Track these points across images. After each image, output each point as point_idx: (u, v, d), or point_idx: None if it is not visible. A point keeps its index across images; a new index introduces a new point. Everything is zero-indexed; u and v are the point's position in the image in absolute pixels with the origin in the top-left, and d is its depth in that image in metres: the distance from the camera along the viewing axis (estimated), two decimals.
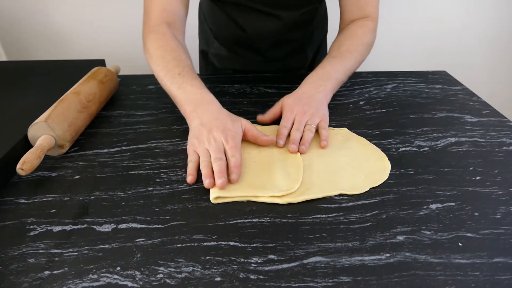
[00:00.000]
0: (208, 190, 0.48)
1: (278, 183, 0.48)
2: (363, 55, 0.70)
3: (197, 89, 0.58)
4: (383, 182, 0.50)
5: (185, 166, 0.53)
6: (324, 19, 0.93)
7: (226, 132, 0.52)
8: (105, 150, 0.57)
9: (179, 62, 0.60)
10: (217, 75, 0.90)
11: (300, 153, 0.54)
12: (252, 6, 0.76)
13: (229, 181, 0.49)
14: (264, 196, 0.47)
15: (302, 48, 0.89)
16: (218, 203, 0.47)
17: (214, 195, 0.47)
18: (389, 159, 0.55)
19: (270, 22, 0.78)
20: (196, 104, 0.56)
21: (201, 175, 0.50)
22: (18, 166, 0.47)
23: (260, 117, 0.64)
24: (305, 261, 0.39)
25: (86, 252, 0.40)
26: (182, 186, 0.50)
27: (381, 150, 0.57)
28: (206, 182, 0.48)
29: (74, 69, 0.76)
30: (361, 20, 0.72)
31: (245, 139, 0.57)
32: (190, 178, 0.50)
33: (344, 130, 0.62)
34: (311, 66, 0.94)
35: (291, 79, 0.80)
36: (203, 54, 0.97)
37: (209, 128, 0.53)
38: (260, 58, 0.87)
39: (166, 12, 0.66)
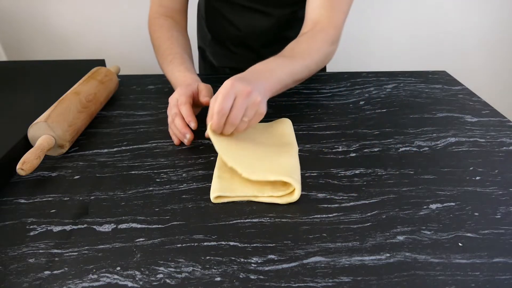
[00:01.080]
0: (208, 190, 0.48)
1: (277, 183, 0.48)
2: (316, 64, 0.64)
3: (182, 73, 0.64)
4: (383, 182, 0.50)
5: (185, 166, 0.53)
6: None
7: (179, 91, 0.58)
8: (105, 150, 0.57)
9: (171, 50, 0.68)
10: (216, 75, 0.90)
11: (236, 131, 0.52)
12: (243, 3, 0.77)
13: (192, 128, 0.55)
14: (264, 196, 0.47)
15: None
16: (218, 203, 0.47)
17: (215, 195, 0.47)
18: (389, 159, 0.55)
19: (262, 19, 0.79)
20: (180, 86, 0.61)
21: (202, 170, 0.50)
22: (18, 166, 0.47)
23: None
24: (305, 261, 0.39)
25: (86, 252, 0.40)
26: (182, 186, 0.50)
27: (381, 150, 0.57)
28: (175, 142, 0.58)
29: (74, 69, 0.76)
30: (322, 25, 0.65)
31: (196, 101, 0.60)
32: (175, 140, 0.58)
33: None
34: None
35: None
36: (201, 51, 0.97)
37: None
38: (255, 57, 0.87)
39: (163, 8, 0.73)
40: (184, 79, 0.62)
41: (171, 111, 0.58)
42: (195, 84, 0.60)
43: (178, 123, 0.56)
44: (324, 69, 0.92)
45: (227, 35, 0.85)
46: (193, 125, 0.55)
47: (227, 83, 0.50)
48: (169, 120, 0.59)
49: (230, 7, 0.80)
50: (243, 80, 0.51)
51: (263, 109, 0.52)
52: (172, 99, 0.58)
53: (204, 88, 0.60)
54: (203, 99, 0.58)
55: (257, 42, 0.84)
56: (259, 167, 0.49)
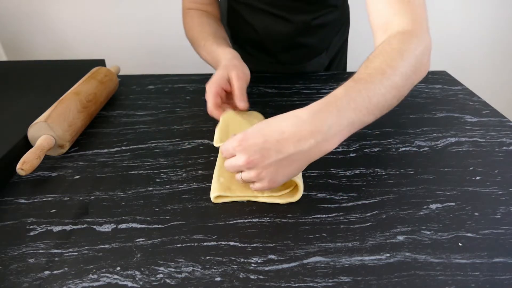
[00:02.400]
0: (208, 190, 0.48)
1: None
2: (403, 76, 0.44)
3: (211, 54, 0.67)
4: (383, 182, 0.50)
5: (185, 166, 0.53)
6: (343, 24, 0.89)
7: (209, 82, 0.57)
8: (105, 150, 0.57)
9: (201, 36, 0.70)
10: None
11: None
12: (263, 7, 0.76)
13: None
14: (264, 196, 0.47)
15: (318, 53, 0.87)
16: (218, 203, 0.47)
17: (215, 195, 0.47)
18: (389, 159, 0.55)
19: (280, 25, 0.78)
20: (215, 65, 0.65)
21: (201, 170, 0.50)
22: (18, 166, 0.47)
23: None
24: (305, 261, 0.39)
25: (86, 252, 0.40)
26: (182, 186, 0.50)
27: (381, 150, 0.57)
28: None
29: (74, 69, 0.76)
30: (397, 25, 0.49)
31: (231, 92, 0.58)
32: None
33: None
34: (327, 70, 0.91)
35: (291, 79, 0.80)
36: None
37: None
38: (273, 61, 0.86)
39: (193, 3, 0.76)
40: (214, 61, 0.65)
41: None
42: (225, 73, 0.57)
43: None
44: (326, 68, 0.92)
45: (246, 37, 0.84)
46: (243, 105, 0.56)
47: (233, 144, 0.42)
48: None
49: (250, 10, 0.79)
50: (256, 149, 0.40)
51: (265, 184, 0.43)
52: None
53: (237, 89, 0.56)
54: (239, 103, 0.56)
55: (275, 47, 0.83)
56: None
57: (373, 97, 0.42)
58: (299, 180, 0.46)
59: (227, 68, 0.58)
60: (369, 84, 0.42)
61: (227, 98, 0.59)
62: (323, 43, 0.86)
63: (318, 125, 0.40)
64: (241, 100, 0.56)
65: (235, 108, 0.58)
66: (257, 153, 0.40)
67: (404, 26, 0.48)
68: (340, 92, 0.42)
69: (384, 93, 0.43)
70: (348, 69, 0.98)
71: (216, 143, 0.51)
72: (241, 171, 0.43)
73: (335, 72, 0.86)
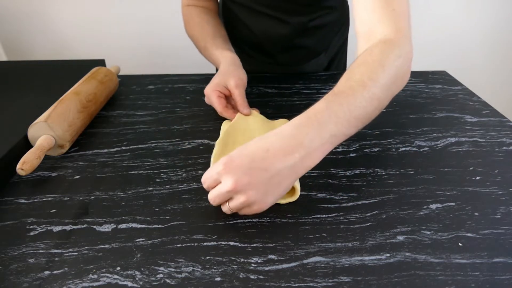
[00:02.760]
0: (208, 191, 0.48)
1: None
2: (383, 88, 0.44)
3: (213, 56, 0.70)
4: (383, 182, 0.50)
5: (185, 166, 0.53)
6: (342, 24, 0.89)
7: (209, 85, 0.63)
8: (105, 150, 0.57)
9: (202, 36, 0.73)
10: None
11: None
12: (260, 9, 0.76)
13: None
14: None
15: (316, 54, 0.87)
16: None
17: None
18: (389, 159, 0.55)
19: (278, 26, 0.78)
20: (217, 66, 0.69)
21: (201, 170, 0.50)
22: (18, 166, 0.47)
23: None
24: (305, 261, 0.39)
25: (86, 252, 0.40)
26: (182, 186, 0.50)
27: (381, 150, 0.57)
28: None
29: (74, 69, 0.76)
30: (378, 34, 0.48)
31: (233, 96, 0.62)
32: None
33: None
34: (327, 70, 0.92)
35: (291, 79, 0.80)
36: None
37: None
38: (271, 61, 0.86)
39: (192, 0, 0.78)
40: (216, 61, 0.69)
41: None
42: (222, 81, 0.63)
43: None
44: (326, 69, 0.92)
45: (244, 38, 0.84)
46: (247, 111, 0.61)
47: (215, 170, 0.40)
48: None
49: (247, 12, 0.79)
50: (240, 172, 0.39)
51: (255, 208, 0.41)
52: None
53: (238, 96, 0.62)
54: (243, 111, 0.61)
55: (273, 48, 0.83)
56: None
57: (354, 110, 0.42)
58: (296, 183, 0.47)
59: (224, 76, 0.63)
60: (350, 98, 0.42)
61: (227, 101, 0.64)
62: (322, 44, 0.86)
63: (300, 139, 0.40)
64: (244, 107, 0.61)
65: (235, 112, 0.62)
66: (245, 175, 0.39)
67: (387, 34, 0.48)
68: (321, 106, 0.42)
69: (365, 105, 0.43)
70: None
71: (213, 159, 0.51)
72: (228, 200, 0.41)
73: (335, 72, 0.86)
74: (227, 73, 0.63)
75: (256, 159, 0.39)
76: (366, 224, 0.44)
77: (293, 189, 0.47)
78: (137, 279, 0.37)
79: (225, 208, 0.43)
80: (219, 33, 0.74)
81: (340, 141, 0.43)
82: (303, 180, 0.50)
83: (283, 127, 0.42)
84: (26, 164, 0.48)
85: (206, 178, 0.43)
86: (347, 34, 0.93)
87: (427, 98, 0.73)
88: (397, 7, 0.48)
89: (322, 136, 0.41)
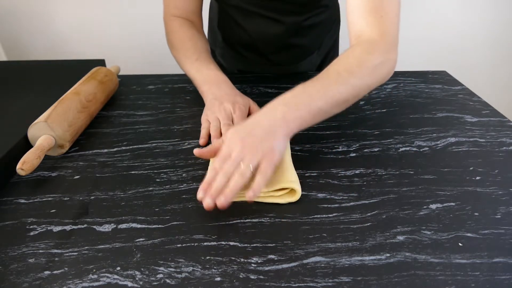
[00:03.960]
0: None
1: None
2: (362, 78, 0.52)
3: (212, 71, 0.67)
4: (383, 182, 0.50)
5: (185, 166, 0.53)
6: (333, 23, 0.90)
7: (234, 104, 0.60)
8: (105, 150, 0.57)
9: (195, 49, 0.70)
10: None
11: (219, 207, 0.42)
12: (254, 10, 0.76)
13: None
14: (264, 196, 0.47)
15: (309, 53, 0.88)
16: None
17: None
18: (389, 159, 0.55)
19: (273, 26, 0.78)
20: (211, 84, 0.65)
21: (200, 170, 0.50)
22: (18, 166, 0.47)
23: (196, 151, 0.49)
24: (305, 261, 0.39)
25: (86, 252, 0.40)
26: (182, 186, 0.50)
27: (381, 150, 0.57)
28: (214, 141, 0.53)
29: (74, 69, 0.76)
30: (365, 36, 0.55)
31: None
32: (202, 140, 0.58)
33: None
34: (319, 69, 0.92)
35: (291, 79, 0.80)
36: (211, 52, 0.96)
37: (221, 100, 0.61)
38: (265, 61, 0.87)
39: (178, 9, 0.74)
40: (216, 77, 0.66)
41: (226, 118, 0.58)
42: (246, 99, 0.63)
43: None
44: (318, 68, 0.92)
45: (238, 39, 0.85)
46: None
47: (228, 145, 0.46)
48: (214, 120, 0.59)
49: (241, 13, 0.79)
50: (243, 133, 0.46)
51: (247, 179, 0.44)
52: (228, 105, 0.60)
53: (257, 108, 0.62)
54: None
55: (268, 48, 0.83)
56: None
57: (328, 90, 0.50)
58: (296, 185, 0.47)
59: (234, 104, 0.60)
60: (325, 80, 0.51)
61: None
62: (315, 43, 0.87)
63: (284, 109, 0.48)
64: None
65: None
66: (239, 141, 0.46)
67: (372, 37, 0.54)
68: (298, 87, 0.51)
69: (336, 88, 0.50)
70: None
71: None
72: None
73: None
74: (240, 94, 0.64)
75: (249, 127, 0.48)
76: (366, 224, 0.44)
77: (293, 190, 0.47)
78: (137, 279, 0.37)
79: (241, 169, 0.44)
80: (209, 52, 0.73)
81: (317, 114, 0.50)
82: (303, 180, 0.50)
83: (259, 113, 0.50)
84: (26, 164, 0.48)
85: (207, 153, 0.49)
86: (338, 33, 0.94)
87: (427, 98, 0.73)
88: (384, 15, 0.55)
89: (299, 101, 0.49)
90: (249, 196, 0.42)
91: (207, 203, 0.42)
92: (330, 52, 0.93)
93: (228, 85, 0.65)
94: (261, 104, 0.70)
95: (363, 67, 0.52)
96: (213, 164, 0.46)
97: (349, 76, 0.51)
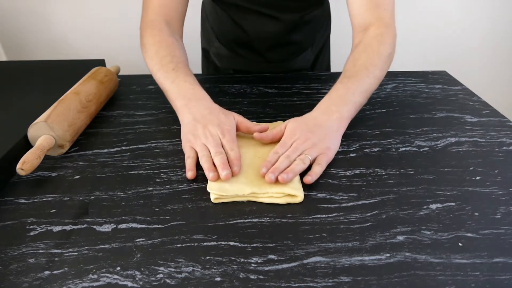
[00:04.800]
0: (207, 190, 0.48)
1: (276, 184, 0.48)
2: (382, 69, 0.60)
3: (190, 84, 0.58)
4: (383, 182, 0.50)
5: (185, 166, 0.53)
6: (326, 20, 0.92)
7: (221, 126, 0.53)
8: (105, 150, 0.57)
9: (173, 58, 0.61)
10: (218, 75, 0.90)
11: (280, 181, 0.47)
12: (252, 8, 0.77)
13: (232, 173, 0.49)
14: (264, 196, 0.47)
15: (304, 49, 0.89)
16: (218, 203, 0.47)
17: (214, 196, 0.47)
18: (389, 159, 0.55)
19: (270, 24, 0.78)
20: (188, 99, 0.57)
21: (201, 170, 0.50)
22: (18, 166, 0.47)
23: (257, 135, 0.55)
24: (305, 261, 0.39)
25: (86, 252, 0.40)
26: (182, 186, 0.50)
27: (381, 150, 0.57)
28: (210, 176, 0.48)
29: (74, 69, 0.76)
30: (374, 29, 0.63)
31: (238, 131, 0.57)
32: (190, 173, 0.50)
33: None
34: (313, 67, 0.94)
35: (291, 79, 0.80)
36: (204, 52, 0.97)
37: (204, 123, 0.54)
38: (261, 59, 0.87)
39: (165, 8, 0.66)
40: (193, 92, 0.58)
41: (217, 146, 0.51)
42: (230, 117, 0.56)
43: (224, 158, 0.50)
44: (312, 64, 0.93)
45: (233, 37, 0.85)
46: (236, 169, 0.49)
47: (288, 132, 0.53)
48: (202, 149, 0.52)
49: (237, 10, 0.79)
50: (305, 128, 0.53)
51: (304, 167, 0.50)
52: (215, 130, 0.53)
53: (246, 121, 0.57)
54: (255, 129, 0.56)
55: (264, 45, 0.84)
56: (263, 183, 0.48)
57: (363, 85, 0.58)
58: (299, 192, 0.47)
59: (220, 127, 0.54)
60: (359, 77, 0.59)
61: None
62: (309, 40, 0.88)
63: (338, 109, 0.56)
64: (257, 129, 0.57)
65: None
66: (308, 132, 0.53)
67: (381, 29, 0.63)
68: (339, 85, 0.59)
69: (368, 82, 0.59)
70: (332, 64, 1.02)
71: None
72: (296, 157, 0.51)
73: (334, 72, 0.86)
74: (222, 111, 0.56)
75: (310, 124, 0.55)
76: (366, 224, 0.44)
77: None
78: (137, 279, 0.37)
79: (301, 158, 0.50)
80: (187, 63, 0.64)
81: (358, 106, 0.58)
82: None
83: (316, 110, 0.57)
84: (26, 164, 0.48)
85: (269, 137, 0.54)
86: (329, 30, 0.96)
87: (427, 98, 0.73)
88: (386, 7, 0.64)
89: (347, 101, 0.57)
90: (307, 180, 0.48)
91: (269, 178, 0.47)
92: (323, 49, 0.94)
93: (207, 101, 0.57)
94: (261, 104, 0.70)
95: (381, 59, 0.60)
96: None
97: (374, 69, 0.59)
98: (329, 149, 0.53)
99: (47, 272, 0.38)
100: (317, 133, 0.53)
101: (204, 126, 0.53)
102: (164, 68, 0.60)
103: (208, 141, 0.52)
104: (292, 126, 0.54)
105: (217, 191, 0.47)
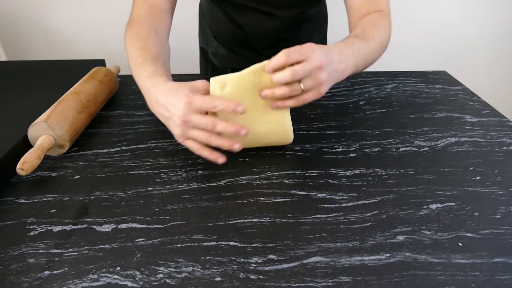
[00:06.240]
0: (208, 190, 0.48)
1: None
2: (381, 48, 0.62)
3: (147, 78, 0.54)
4: (383, 182, 0.50)
5: (185, 166, 0.53)
6: (323, 19, 0.93)
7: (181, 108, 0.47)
8: (105, 150, 0.57)
9: (143, 51, 0.57)
10: (216, 75, 0.89)
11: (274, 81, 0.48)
12: (250, 5, 0.77)
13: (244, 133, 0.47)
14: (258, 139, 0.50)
15: None
16: (218, 203, 0.47)
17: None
18: (389, 159, 0.55)
19: (268, 21, 0.79)
20: (147, 96, 0.54)
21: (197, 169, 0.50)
22: (18, 166, 0.47)
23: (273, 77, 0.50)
24: (305, 261, 0.39)
25: (86, 252, 0.40)
26: (182, 186, 0.50)
27: (381, 150, 0.57)
28: (219, 161, 0.49)
29: (74, 69, 0.76)
30: (375, 14, 0.65)
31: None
32: (221, 159, 0.49)
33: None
34: None
35: None
36: (203, 52, 0.97)
37: (166, 120, 0.50)
38: (258, 58, 0.87)
39: (148, 5, 0.65)
40: (149, 85, 0.53)
41: (201, 119, 0.46)
42: (180, 98, 0.47)
43: (227, 126, 0.46)
44: None
45: (231, 35, 0.85)
46: (244, 131, 0.46)
47: (308, 46, 0.49)
48: (198, 133, 0.47)
49: (235, 8, 0.79)
50: (326, 53, 0.50)
51: (322, 90, 0.49)
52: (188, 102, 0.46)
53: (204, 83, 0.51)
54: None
55: (261, 44, 0.84)
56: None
57: (364, 51, 0.57)
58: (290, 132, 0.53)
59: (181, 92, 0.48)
60: (365, 43, 0.58)
61: None
62: (306, 38, 0.88)
63: (344, 58, 0.54)
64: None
65: None
66: (329, 61, 0.49)
67: (382, 16, 0.65)
68: (352, 40, 0.58)
69: (371, 52, 0.59)
70: None
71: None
72: (300, 81, 0.48)
73: None
74: (173, 93, 0.49)
75: (332, 59, 0.50)
76: (366, 224, 0.44)
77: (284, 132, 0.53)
78: (137, 279, 0.37)
79: (295, 88, 0.49)
80: (156, 56, 0.58)
81: (354, 67, 0.56)
82: (303, 180, 0.50)
83: (337, 48, 0.54)
84: (26, 164, 0.48)
85: (294, 52, 0.48)
86: (326, 29, 0.96)
87: (427, 98, 0.73)
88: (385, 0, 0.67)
89: (350, 57, 0.55)
90: (290, 104, 0.50)
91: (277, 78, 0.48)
92: None
93: (159, 90, 0.51)
94: None
95: (386, 38, 0.63)
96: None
97: (379, 46, 0.61)
98: (327, 86, 0.51)
99: (47, 272, 0.38)
100: (330, 69, 0.50)
101: (169, 124, 0.49)
102: (135, 63, 0.58)
103: (193, 133, 0.48)
104: (317, 53, 0.49)
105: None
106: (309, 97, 0.50)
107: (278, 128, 0.54)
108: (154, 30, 0.63)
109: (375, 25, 0.63)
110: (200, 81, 0.51)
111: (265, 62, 0.50)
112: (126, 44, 0.61)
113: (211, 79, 0.50)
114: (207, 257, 0.39)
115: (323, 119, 0.65)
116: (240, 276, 0.37)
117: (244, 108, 0.46)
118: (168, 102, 0.48)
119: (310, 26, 0.87)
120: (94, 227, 0.43)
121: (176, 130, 0.48)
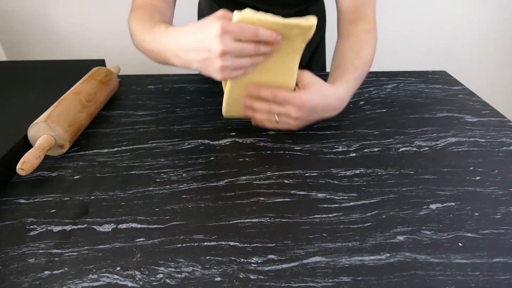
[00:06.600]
0: (208, 190, 0.48)
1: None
2: (370, 66, 0.68)
3: (164, 31, 0.51)
4: (383, 182, 0.50)
5: (185, 166, 0.53)
6: (321, 18, 0.93)
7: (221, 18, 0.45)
8: (105, 150, 0.57)
9: (151, 22, 0.56)
10: None
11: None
12: (248, 3, 0.77)
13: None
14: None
15: None
16: (218, 203, 0.47)
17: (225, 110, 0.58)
18: (389, 159, 0.55)
19: None
20: (168, 44, 0.50)
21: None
22: (18, 166, 0.47)
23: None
24: (305, 261, 0.39)
25: (86, 252, 0.40)
26: (182, 186, 0.50)
27: (381, 150, 0.57)
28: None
29: (74, 69, 0.76)
30: (363, 24, 0.68)
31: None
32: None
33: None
34: (309, 65, 0.95)
35: None
36: None
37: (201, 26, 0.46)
38: None
39: (146, 4, 0.64)
40: (167, 33, 0.50)
41: (243, 45, 0.44)
42: (212, 30, 0.44)
43: (266, 34, 0.44)
44: (308, 63, 0.94)
45: None
46: (275, 36, 0.44)
47: (298, 100, 0.55)
48: (241, 62, 0.45)
49: (234, 6, 0.79)
50: (312, 111, 0.56)
51: (292, 127, 0.58)
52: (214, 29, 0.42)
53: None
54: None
55: None
56: None
57: (362, 77, 0.65)
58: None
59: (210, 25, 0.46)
60: (362, 70, 0.64)
61: None
62: None
63: (343, 104, 0.60)
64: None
65: None
66: (308, 112, 0.56)
67: (369, 25, 0.69)
68: (350, 77, 0.62)
69: (364, 74, 0.65)
70: (328, 63, 1.02)
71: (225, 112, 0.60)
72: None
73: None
74: (199, 32, 0.47)
75: (319, 109, 0.57)
76: (366, 224, 0.44)
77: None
78: (137, 279, 0.37)
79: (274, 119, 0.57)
80: (165, 21, 0.58)
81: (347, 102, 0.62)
82: (303, 180, 0.50)
83: (335, 94, 0.59)
84: (26, 164, 0.48)
85: (281, 96, 0.54)
86: (324, 29, 0.97)
87: (427, 98, 0.74)
88: (371, 6, 0.70)
89: (349, 95, 0.62)
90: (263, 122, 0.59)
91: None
92: (318, 48, 0.95)
93: (181, 32, 0.48)
94: None
95: (374, 54, 0.67)
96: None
97: (367, 66, 0.66)
98: (298, 126, 0.58)
99: (47, 272, 0.38)
100: (314, 116, 0.57)
101: (206, 65, 0.46)
102: (144, 32, 0.55)
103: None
104: (308, 97, 0.54)
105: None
106: (280, 128, 0.59)
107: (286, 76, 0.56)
108: (159, 12, 0.62)
109: (367, 44, 0.67)
110: (221, 11, 0.46)
111: (302, 22, 0.46)
112: (130, 28, 0.59)
113: (235, 12, 0.44)
114: (207, 257, 0.39)
115: (323, 119, 0.65)
116: (240, 276, 0.37)
117: (279, 36, 0.46)
118: (199, 41, 0.43)
119: None
120: (94, 227, 0.43)
121: (215, 65, 0.43)
